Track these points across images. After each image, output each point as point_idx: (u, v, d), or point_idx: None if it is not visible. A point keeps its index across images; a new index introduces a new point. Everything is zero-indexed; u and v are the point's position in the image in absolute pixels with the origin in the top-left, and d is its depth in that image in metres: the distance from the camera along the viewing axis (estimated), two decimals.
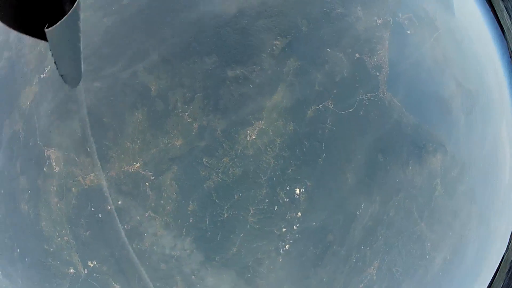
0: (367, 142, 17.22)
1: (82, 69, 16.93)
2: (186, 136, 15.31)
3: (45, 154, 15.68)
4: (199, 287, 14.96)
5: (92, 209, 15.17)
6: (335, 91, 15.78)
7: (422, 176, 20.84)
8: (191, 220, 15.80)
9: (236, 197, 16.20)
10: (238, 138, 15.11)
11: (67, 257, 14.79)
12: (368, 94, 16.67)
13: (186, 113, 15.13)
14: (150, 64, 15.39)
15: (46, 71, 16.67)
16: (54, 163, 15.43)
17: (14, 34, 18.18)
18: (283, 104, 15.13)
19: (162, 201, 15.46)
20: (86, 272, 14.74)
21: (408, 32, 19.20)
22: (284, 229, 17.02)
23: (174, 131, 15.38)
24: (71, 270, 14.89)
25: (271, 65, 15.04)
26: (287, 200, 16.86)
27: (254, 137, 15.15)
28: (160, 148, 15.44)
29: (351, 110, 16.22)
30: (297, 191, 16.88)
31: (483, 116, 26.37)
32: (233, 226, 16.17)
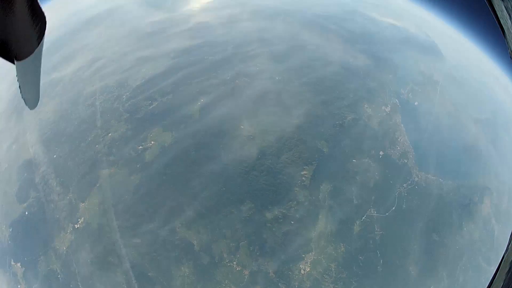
0: (419, 229, 16.64)
1: (118, 225, 17.08)
2: (239, 284, 14.98)
3: None
4: None
5: None
6: (373, 197, 15.59)
7: (479, 228, 19.92)
8: None
9: None
10: (293, 274, 14.70)
11: None
12: (404, 185, 16.44)
13: (234, 262, 14.93)
14: (187, 220, 15.55)
15: (79, 222, 16.97)
16: None
17: (39, 175, 18.86)
18: (327, 229, 14.91)
19: None
20: None
21: (416, 103, 19.40)
22: None
23: (225, 281, 15.08)
24: None
25: (306, 196, 15.08)
26: None
27: (308, 269, 14.75)
28: None
29: (393, 208, 15.89)
30: None
31: (507, 131, 25.84)
32: None
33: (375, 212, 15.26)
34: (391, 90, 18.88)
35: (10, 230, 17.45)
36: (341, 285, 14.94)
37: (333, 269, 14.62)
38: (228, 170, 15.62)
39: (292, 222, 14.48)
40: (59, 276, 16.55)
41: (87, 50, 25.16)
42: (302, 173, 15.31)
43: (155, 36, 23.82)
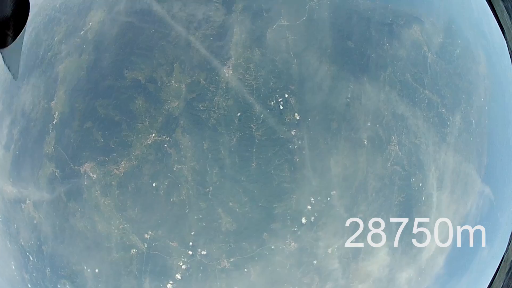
0: (332, 36, 18.55)
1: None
2: (179, 96, 17.30)
3: None
4: None
5: None
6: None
7: (406, 47, 21.63)
8: None
9: None
10: (220, 78, 17.15)
11: None
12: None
13: (172, 81, 17.51)
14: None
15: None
16: None
17: None
18: (242, 38, 16.53)
19: None
20: None
21: None
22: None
23: (169, 98, 17.88)
24: None
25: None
26: None
27: (231, 72, 16.71)
28: None
29: (304, 18, 17.27)
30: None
31: None
32: None
33: (286, 21, 17.15)
34: None
35: None
36: (261, 81, 18.71)
37: (252, 69, 17.99)
38: None
39: (211, 39, 16.71)
40: None
41: None
42: None
43: None
